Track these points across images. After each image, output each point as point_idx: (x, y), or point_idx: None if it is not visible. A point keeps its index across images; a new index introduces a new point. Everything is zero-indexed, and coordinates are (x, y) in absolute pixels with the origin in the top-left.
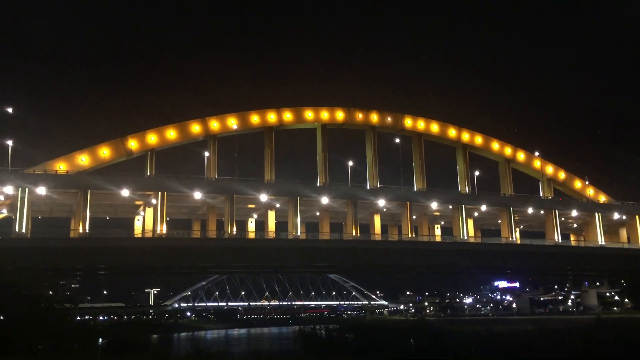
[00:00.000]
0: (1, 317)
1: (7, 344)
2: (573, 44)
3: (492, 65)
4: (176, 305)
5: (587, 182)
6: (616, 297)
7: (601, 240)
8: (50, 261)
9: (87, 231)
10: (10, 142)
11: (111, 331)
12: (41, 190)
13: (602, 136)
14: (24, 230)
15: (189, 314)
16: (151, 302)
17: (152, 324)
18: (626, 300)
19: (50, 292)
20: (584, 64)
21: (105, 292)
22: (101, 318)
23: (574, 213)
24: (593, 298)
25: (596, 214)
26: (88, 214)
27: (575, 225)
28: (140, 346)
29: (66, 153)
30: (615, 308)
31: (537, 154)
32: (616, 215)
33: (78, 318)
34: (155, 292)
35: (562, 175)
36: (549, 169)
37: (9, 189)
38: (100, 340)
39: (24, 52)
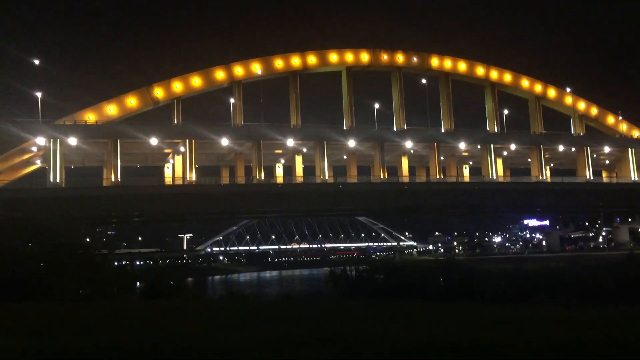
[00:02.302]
0: (42, 264)
1: (48, 291)
2: None
3: (520, 0)
4: (209, 250)
5: (620, 117)
6: None
7: (634, 175)
8: (86, 209)
9: (119, 180)
10: (39, 94)
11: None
12: (72, 141)
13: (636, 70)
14: (58, 180)
15: (221, 257)
16: (184, 247)
17: (187, 268)
18: None
19: (88, 239)
20: None
21: (140, 239)
22: (137, 263)
23: (606, 149)
24: (625, 234)
25: (629, 149)
26: (119, 163)
27: (607, 162)
28: (176, 289)
29: (94, 103)
30: None
31: (568, 90)
32: None
33: (115, 263)
34: (188, 237)
35: (594, 111)
36: (581, 105)
37: (41, 140)
38: (138, 284)
39: (50, 3)
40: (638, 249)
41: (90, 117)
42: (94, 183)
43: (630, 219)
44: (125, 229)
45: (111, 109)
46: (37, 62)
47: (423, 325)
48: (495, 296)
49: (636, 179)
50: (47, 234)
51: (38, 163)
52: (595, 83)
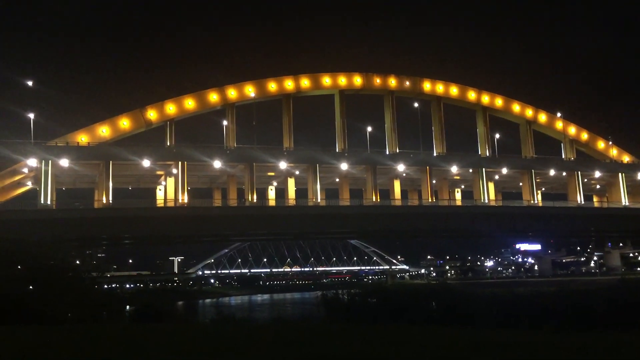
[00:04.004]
0: (30, 287)
1: (36, 314)
2: (593, 3)
3: (512, 27)
4: (200, 273)
5: (610, 142)
6: None
7: (625, 200)
8: (76, 231)
9: (111, 201)
10: (32, 115)
11: (138, 299)
12: (64, 162)
13: (625, 95)
14: (49, 202)
15: (212, 280)
16: (175, 270)
17: (178, 291)
18: None
19: (77, 262)
20: (606, 23)
21: (130, 261)
22: (127, 286)
23: (597, 174)
24: (616, 259)
25: (620, 174)
26: (111, 184)
27: (598, 187)
28: (167, 313)
29: (87, 125)
30: (639, 268)
31: (559, 115)
32: None
33: (105, 286)
34: (179, 260)
35: (584, 136)
36: (571, 130)
37: (32, 162)
38: (128, 307)
39: (44, 25)
40: (629, 273)
41: (82, 138)
42: (85, 205)
43: (621, 244)
44: (116, 251)
45: (104, 131)
46: (30, 83)
47: (413, 350)
48: (487, 320)
49: (627, 204)
50: (36, 256)
51: (29, 184)
52: (585, 108)
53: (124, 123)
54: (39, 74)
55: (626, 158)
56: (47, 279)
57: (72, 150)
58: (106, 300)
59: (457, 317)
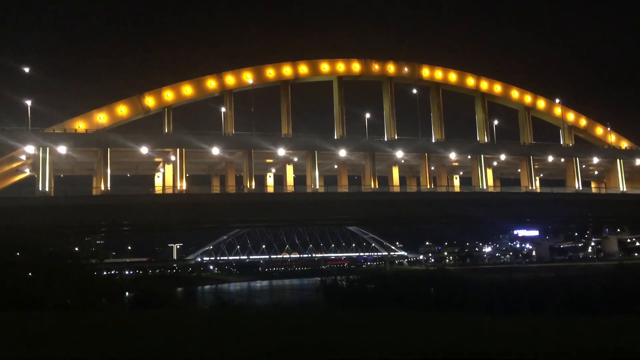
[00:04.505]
0: (30, 274)
1: (36, 301)
2: None
3: (511, 12)
4: (199, 259)
5: (609, 129)
6: (637, 243)
7: (623, 186)
8: (74, 218)
9: (109, 189)
10: (29, 102)
11: (137, 285)
12: (62, 149)
13: (624, 81)
14: (47, 189)
15: (211, 267)
16: (174, 257)
17: (177, 278)
18: None
19: (76, 249)
20: (605, 8)
21: (129, 248)
22: (127, 272)
23: (595, 160)
24: (614, 245)
25: (618, 160)
26: (109, 171)
27: (596, 173)
28: (166, 299)
29: (84, 112)
30: (636, 254)
31: (557, 101)
32: (638, 162)
33: (105, 273)
34: (178, 246)
35: (583, 122)
36: (570, 116)
37: (30, 149)
38: (127, 293)
39: (41, 11)
40: (627, 259)
41: (80, 125)
42: (84, 192)
43: (619, 230)
44: (115, 238)
45: (101, 117)
46: (27, 69)
47: (414, 335)
48: (486, 306)
49: (625, 190)
50: (35, 242)
51: (27, 171)
52: (584, 94)
53: (122, 110)
54: (36, 60)
55: (624, 144)
56: (47, 266)
57: (70, 137)
58: (105, 286)
59: (456, 303)
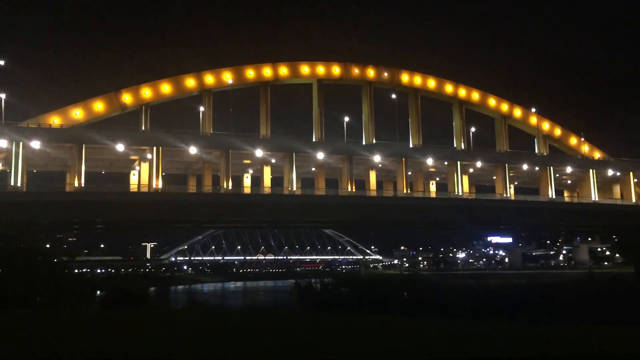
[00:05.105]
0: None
1: (5, 298)
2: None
3: (489, 22)
4: (173, 259)
5: (582, 139)
6: (607, 253)
7: (595, 196)
8: (46, 215)
9: (83, 185)
10: (3, 95)
11: (109, 284)
12: (35, 144)
13: (599, 93)
14: (19, 184)
15: (185, 267)
16: (148, 256)
17: (150, 277)
18: (617, 255)
19: (47, 245)
20: (581, 20)
21: (102, 246)
22: (99, 271)
23: (569, 169)
24: (584, 253)
25: (590, 170)
26: (83, 168)
27: (569, 182)
28: (138, 298)
29: (60, 107)
30: (606, 263)
31: (533, 110)
32: (610, 172)
33: (76, 271)
34: (152, 245)
35: (557, 131)
36: (545, 126)
37: (3, 142)
38: (99, 292)
39: (19, 4)
40: (597, 268)
41: (55, 120)
42: (57, 188)
43: (590, 239)
44: (87, 236)
45: (77, 113)
46: (2, 62)
47: (380, 340)
48: (460, 311)
49: (596, 199)
50: (4, 238)
51: None
52: (559, 104)
53: (98, 106)
54: (11, 52)
55: (597, 154)
56: (16, 262)
57: (44, 132)
58: (76, 284)
59: (430, 307)
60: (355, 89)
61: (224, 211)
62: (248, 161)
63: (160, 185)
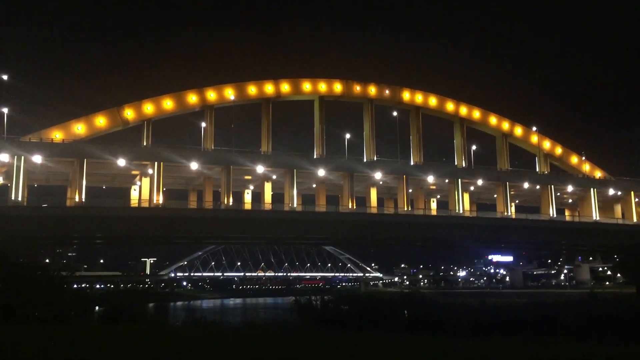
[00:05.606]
0: None
1: (4, 312)
2: (573, 19)
3: (492, 40)
4: (172, 275)
5: (583, 158)
6: (609, 272)
7: (596, 215)
8: (47, 229)
9: (84, 200)
10: (5, 110)
11: (108, 299)
12: (37, 159)
13: (600, 112)
14: (20, 198)
15: (185, 283)
16: (147, 272)
17: (149, 293)
18: (618, 275)
19: (47, 260)
20: (584, 40)
21: (101, 261)
22: (98, 286)
23: (570, 188)
24: (586, 273)
25: (591, 189)
26: (84, 182)
27: (570, 201)
28: (137, 314)
29: (62, 122)
30: (607, 283)
31: (534, 129)
32: (611, 191)
33: (75, 286)
34: (152, 261)
35: (558, 150)
36: (546, 144)
37: (4, 157)
38: (97, 308)
39: (21, 19)
40: (598, 287)
41: (57, 135)
42: (58, 202)
43: (591, 258)
44: (87, 250)
45: (79, 128)
46: (5, 77)
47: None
48: (460, 329)
49: (597, 219)
50: (4, 253)
51: (0, 180)
52: (560, 123)
53: (100, 121)
54: (14, 67)
55: (598, 174)
56: (16, 277)
57: (46, 146)
58: (75, 300)
59: (430, 325)
60: (357, 106)
61: (224, 227)
62: (249, 177)
63: (161, 201)
